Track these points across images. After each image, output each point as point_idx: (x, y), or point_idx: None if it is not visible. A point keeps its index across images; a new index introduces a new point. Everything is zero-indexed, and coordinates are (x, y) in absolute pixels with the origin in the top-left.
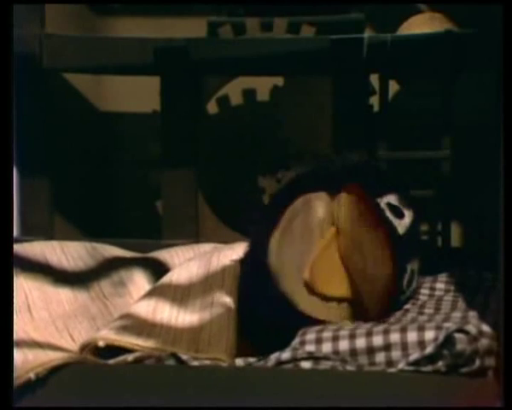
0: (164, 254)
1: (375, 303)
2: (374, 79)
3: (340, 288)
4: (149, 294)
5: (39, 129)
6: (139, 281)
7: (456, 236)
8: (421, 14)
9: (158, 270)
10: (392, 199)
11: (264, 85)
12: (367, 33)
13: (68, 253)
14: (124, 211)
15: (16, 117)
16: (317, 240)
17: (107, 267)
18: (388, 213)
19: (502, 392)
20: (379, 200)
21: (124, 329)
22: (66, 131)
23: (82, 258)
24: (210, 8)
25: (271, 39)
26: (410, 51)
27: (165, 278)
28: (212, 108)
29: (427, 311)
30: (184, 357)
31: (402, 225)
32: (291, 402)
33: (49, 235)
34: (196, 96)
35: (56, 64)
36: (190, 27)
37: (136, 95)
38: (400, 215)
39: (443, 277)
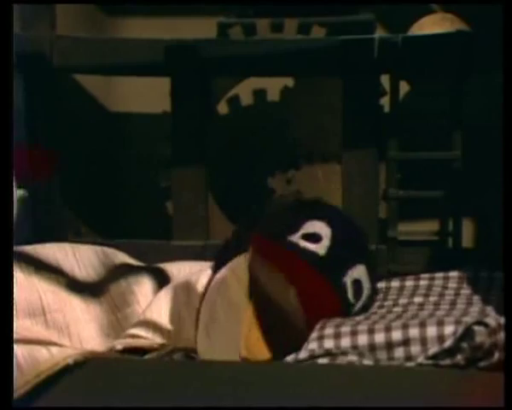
0: (171, 267)
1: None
2: (385, 80)
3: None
4: (158, 300)
5: (49, 129)
6: (147, 291)
7: (467, 236)
8: (432, 14)
9: (165, 281)
10: (311, 227)
11: (274, 86)
12: (378, 34)
13: (80, 260)
14: (133, 211)
15: (26, 117)
16: (242, 316)
17: (118, 276)
18: (303, 244)
19: (503, 391)
20: (293, 236)
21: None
22: (76, 131)
23: (93, 266)
24: (220, 8)
25: (282, 40)
26: (420, 52)
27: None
28: (222, 108)
29: (442, 306)
30: (194, 356)
31: (321, 246)
32: (306, 397)
33: (60, 235)
34: (207, 96)
35: (66, 65)
36: (201, 28)
37: (146, 95)
38: (317, 239)
39: (455, 275)
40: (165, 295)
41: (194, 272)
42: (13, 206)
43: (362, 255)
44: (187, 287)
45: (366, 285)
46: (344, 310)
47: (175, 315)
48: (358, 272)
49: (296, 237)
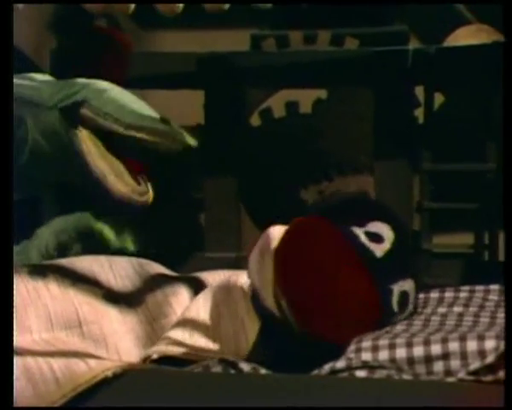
0: (207, 276)
1: (353, 323)
2: (419, 91)
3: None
4: (196, 301)
5: None
6: (184, 301)
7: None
8: (467, 25)
9: (201, 290)
10: (374, 227)
11: (307, 98)
12: (411, 45)
13: (116, 271)
14: (166, 223)
15: None
16: None
17: (154, 287)
18: (364, 240)
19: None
20: (356, 229)
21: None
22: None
23: (129, 277)
24: (253, 21)
25: (315, 51)
26: (455, 63)
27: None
28: (255, 120)
29: (482, 318)
30: (231, 358)
31: (380, 248)
32: None
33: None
34: (239, 108)
35: None
36: (234, 41)
37: (180, 108)
38: (379, 240)
39: (496, 288)
40: (203, 295)
41: (232, 274)
42: (12, 208)
43: (414, 270)
44: (226, 287)
45: (411, 301)
46: (382, 318)
47: (213, 311)
48: (408, 285)
49: (359, 231)
